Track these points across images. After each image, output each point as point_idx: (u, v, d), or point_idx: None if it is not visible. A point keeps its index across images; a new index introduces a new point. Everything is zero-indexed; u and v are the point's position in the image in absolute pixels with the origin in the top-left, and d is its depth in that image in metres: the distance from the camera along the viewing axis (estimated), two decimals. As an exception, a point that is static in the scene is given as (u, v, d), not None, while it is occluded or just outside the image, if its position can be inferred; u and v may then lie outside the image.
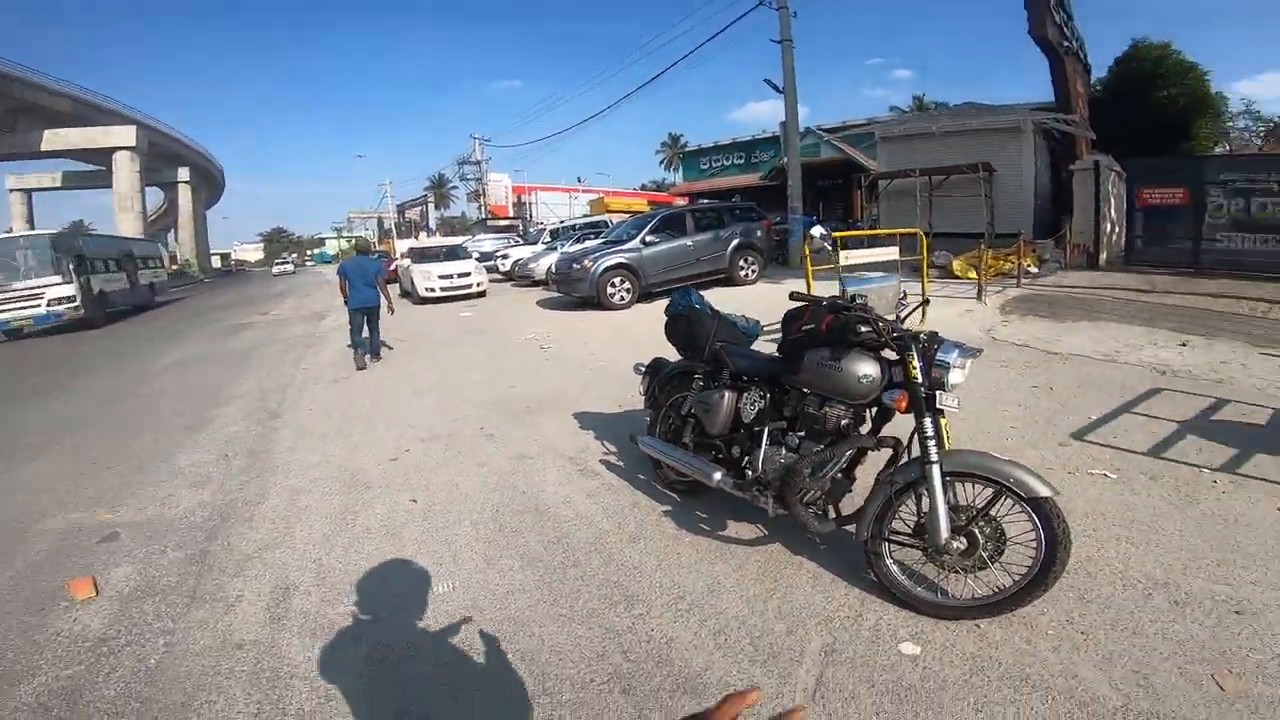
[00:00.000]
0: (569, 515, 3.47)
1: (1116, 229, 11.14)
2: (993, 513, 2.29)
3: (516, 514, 3.53)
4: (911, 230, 8.05)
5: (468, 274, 14.18)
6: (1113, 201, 11.02)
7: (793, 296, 2.69)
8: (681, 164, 33.89)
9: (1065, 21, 13.24)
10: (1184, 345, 6.25)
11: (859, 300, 2.53)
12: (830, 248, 2.81)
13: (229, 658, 2.47)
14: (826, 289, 6.05)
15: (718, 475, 2.96)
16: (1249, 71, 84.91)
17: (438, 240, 22.73)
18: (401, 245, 24.87)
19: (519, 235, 24.60)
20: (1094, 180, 10.79)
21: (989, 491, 2.29)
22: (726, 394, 3.05)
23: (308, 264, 71.05)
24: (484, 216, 34.82)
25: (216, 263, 78.58)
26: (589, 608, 2.62)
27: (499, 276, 18.36)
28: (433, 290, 13.87)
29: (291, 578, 3.03)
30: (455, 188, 55.89)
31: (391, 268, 20.75)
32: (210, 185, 65.96)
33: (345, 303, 7.86)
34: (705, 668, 2.22)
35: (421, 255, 15.56)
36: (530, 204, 37.92)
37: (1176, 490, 3.34)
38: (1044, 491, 2.13)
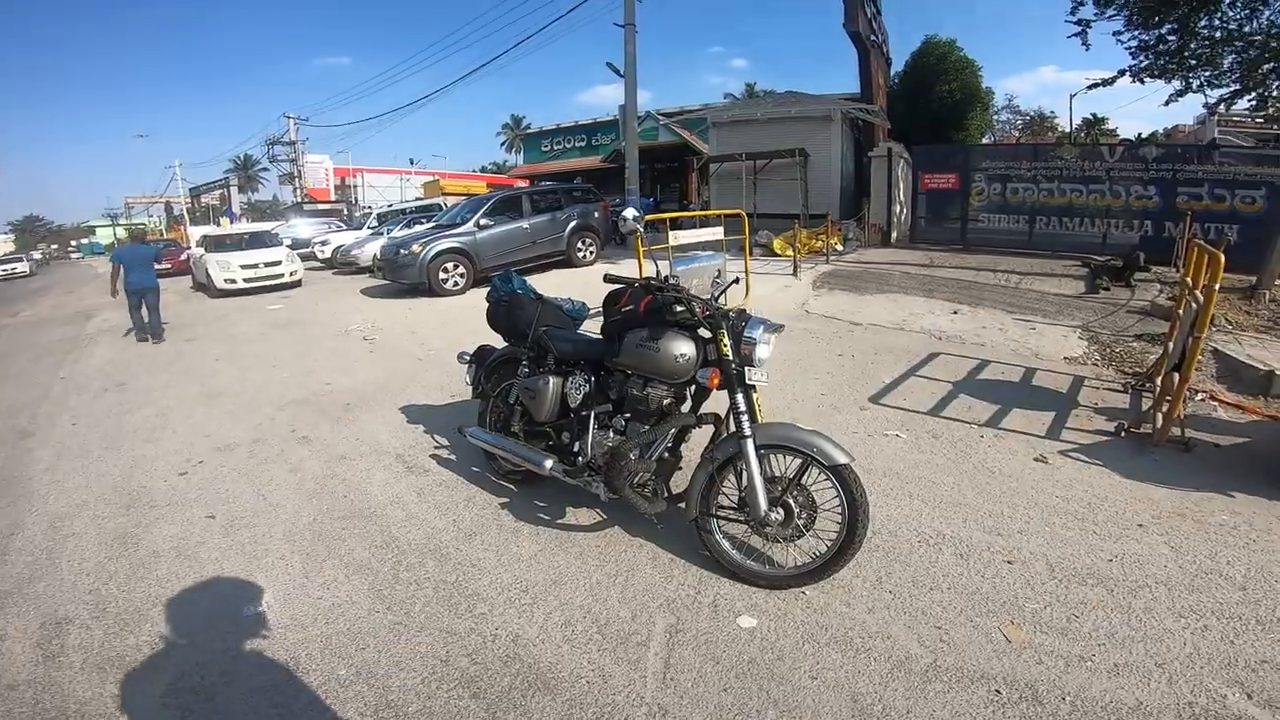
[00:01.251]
0: (398, 516, 3.22)
1: (904, 210, 12.69)
2: (803, 482, 2.43)
3: (338, 520, 3.21)
4: (736, 211, 8.48)
5: (277, 262, 12.64)
6: (901, 186, 12.53)
7: (607, 279, 2.66)
8: (523, 146, 32.99)
9: (874, 16, 14.70)
10: (955, 313, 7.27)
11: (673, 280, 2.55)
12: (642, 229, 2.80)
13: (1, 700, 2.10)
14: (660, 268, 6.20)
15: (549, 463, 2.87)
16: (1016, 70, 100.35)
17: (240, 227, 20.00)
18: (196, 233, 21.64)
19: (341, 220, 22.54)
20: (887, 166, 12.16)
21: (797, 462, 2.43)
22: (552, 380, 2.96)
23: (73, 255, 59.77)
24: (300, 200, 31.47)
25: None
26: (427, 612, 2.46)
27: (318, 265, 16.66)
28: (233, 281, 12.18)
29: (63, 611, 2.62)
30: (265, 170, 49.73)
31: (181, 257, 18.03)
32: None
33: (113, 293, 8.70)
34: (555, 661, 2.16)
35: (218, 244, 13.58)
36: (355, 187, 34.92)
37: (953, 446, 3.84)
38: (842, 459, 2.30)
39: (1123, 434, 3.95)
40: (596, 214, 11.79)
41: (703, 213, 11.44)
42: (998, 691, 1.96)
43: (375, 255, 12.17)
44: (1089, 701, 1.90)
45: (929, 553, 2.71)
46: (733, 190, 14.60)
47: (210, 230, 17.96)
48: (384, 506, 3.33)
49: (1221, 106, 13.00)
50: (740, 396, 2.39)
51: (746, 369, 2.42)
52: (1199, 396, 4.64)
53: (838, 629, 2.26)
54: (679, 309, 2.52)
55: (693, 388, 2.67)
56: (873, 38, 14.23)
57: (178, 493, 3.66)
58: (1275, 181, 9.16)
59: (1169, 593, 2.41)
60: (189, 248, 18.87)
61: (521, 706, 1.97)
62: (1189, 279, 4.86)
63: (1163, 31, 10.73)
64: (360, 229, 18.02)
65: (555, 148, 27.72)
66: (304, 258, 14.81)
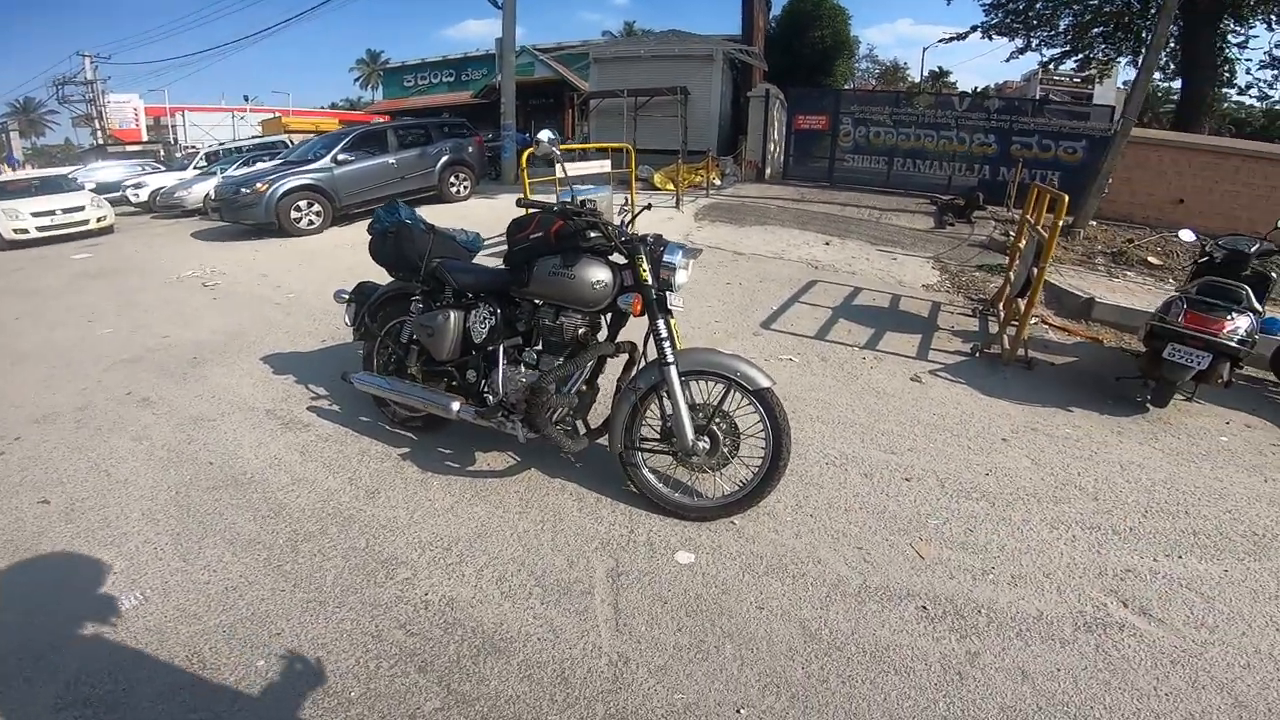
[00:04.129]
0: (282, 480, 2.85)
1: (778, 148, 13.12)
2: (726, 408, 2.43)
3: (207, 491, 2.78)
4: (621, 145, 8.28)
5: (79, 208, 10.70)
6: (776, 125, 12.88)
7: (520, 203, 2.44)
8: (382, 81, 30.11)
9: (760, -41, 14.64)
10: (827, 244, 7.70)
11: (589, 205, 2.39)
12: (558, 153, 2.58)
13: None
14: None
15: (455, 406, 2.67)
16: (876, 20, 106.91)
17: (27, 173, 16.77)
18: (-27, 183, 17.80)
19: (158, 161, 19.54)
20: (764, 107, 12.41)
21: (720, 387, 2.42)
22: (452, 314, 2.72)
23: None
24: (102, 142, 26.98)
25: None
26: (343, 584, 2.20)
27: (133, 209, 14.29)
28: (24, 231, 10.19)
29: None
30: (53, 113, 41.83)
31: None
32: None
33: None
34: (499, 621, 2.03)
35: (0, 191, 11.27)
36: (175, 127, 30.44)
37: (841, 369, 4.08)
38: (765, 383, 2.31)
39: (977, 355, 4.41)
40: (470, 149, 11.05)
41: (589, 145, 11.09)
42: (924, 608, 2.09)
43: (208, 196, 10.63)
44: (1000, 614, 2.07)
45: (837, 474, 2.86)
46: (613, 126, 14.28)
47: (-9, 180, 14.84)
48: (262, 470, 2.94)
49: (1043, 66, 14.59)
50: (661, 323, 2.32)
51: (666, 294, 2.36)
52: (1033, 321, 5.26)
53: (772, 557, 2.31)
54: (593, 234, 2.38)
55: (608, 315, 2.57)
56: (757, -21, 14.28)
57: (-6, 477, 3.00)
58: (1094, 135, 10.46)
59: (1039, 505, 2.69)
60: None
61: (476, 674, 1.84)
62: (1029, 216, 5.43)
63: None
64: (184, 170, 15.72)
65: (420, 83, 25.76)
66: (114, 203, 12.66)
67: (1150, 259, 7.79)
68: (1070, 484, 2.86)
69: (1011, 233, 8.52)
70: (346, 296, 3.31)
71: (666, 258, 2.36)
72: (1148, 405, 3.67)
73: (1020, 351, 4.24)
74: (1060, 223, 3.91)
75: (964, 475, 2.89)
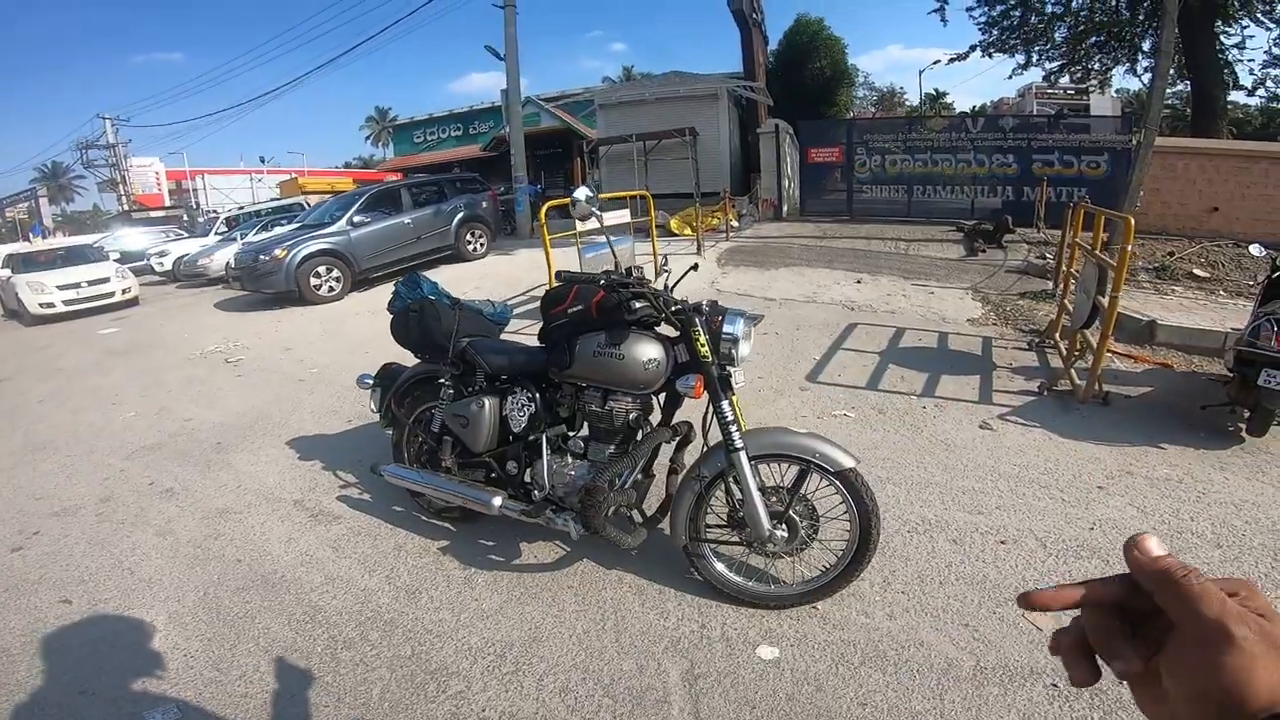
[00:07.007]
0: (315, 580, 2.62)
1: (793, 184, 13.04)
2: (802, 490, 2.16)
3: (237, 592, 2.58)
4: (639, 192, 8.19)
5: (104, 280, 10.82)
6: (789, 161, 12.83)
7: (560, 276, 2.22)
8: (392, 138, 31.02)
9: (755, -5, 14.95)
10: (859, 282, 7.44)
11: (635, 275, 2.17)
12: (599, 212, 2.38)
13: None
14: (564, 257, 5.78)
15: (498, 501, 2.43)
16: (866, 48, 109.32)
17: (53, 242, 17.22)
18: (2, 251, 18.41)
19: (181, 227, 20.00)
20: (775, 142, 12.39)
21: (795, 469, 2.15)
22: (487, 402, 2.49)
23: None
24: (128, 208, 27.73)
25: None
26: (391, 698, 1.97)
27: (158, 279, 14.55)
28: (51, 306, 10.29)
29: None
30: (81, 178, 43.49)
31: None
32: None
33: None
34: None
35: (26, 263, 11.44)
36: (196, 190, 31.38)
37: (902, 421, 3.77)
38: (848, 463, 2.05)
39: (1045, 393, 4.10)
40: (485, 204, 11.06)
41: (606, 195, 11.09)
42: (1054, 685, 1.83)
43: (229, 263, 10.73)
44: (1142, 684, 1.81)
45: (924, 542, 2.57)
46: (624, 172, 14.35)
47: (16, 248, 15.23)
48: (293, 569, 2.72)
49: (1045, 80, 14.54)
50: (726, 404, 2.07)
51: (729, 370, 2.11)
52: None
53: (866, 644, 2.04)
54: (638, 305, 2.15)
55: (661, 396, 2.33)
56: (754, 16, 14.50)
57: (15, 573, 2.87)
58: (1115, 148, 10.21)
59: (1160, 559, 2.40)
60: (-4, 270, 15.99)
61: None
62: (1078, 240, 5.15)
63: (1007, 7, 11.84)
64: (206, 235, 16.01)
65: (429, 138, 26.30)
66: (139, 272, 12.90)
67: (1196, 271, 7.45)
68: (1186, 531, 2.57)
69: (1048, 255, 8.24)
70: (370, 382, 3.10)
71: (727, 329, 2.11)
72: (1243, 435, 3.36)
73: (1096, 387, 3.92)
74: (1129, 247, 3.64)
75: (1066, 532, 2.59)
